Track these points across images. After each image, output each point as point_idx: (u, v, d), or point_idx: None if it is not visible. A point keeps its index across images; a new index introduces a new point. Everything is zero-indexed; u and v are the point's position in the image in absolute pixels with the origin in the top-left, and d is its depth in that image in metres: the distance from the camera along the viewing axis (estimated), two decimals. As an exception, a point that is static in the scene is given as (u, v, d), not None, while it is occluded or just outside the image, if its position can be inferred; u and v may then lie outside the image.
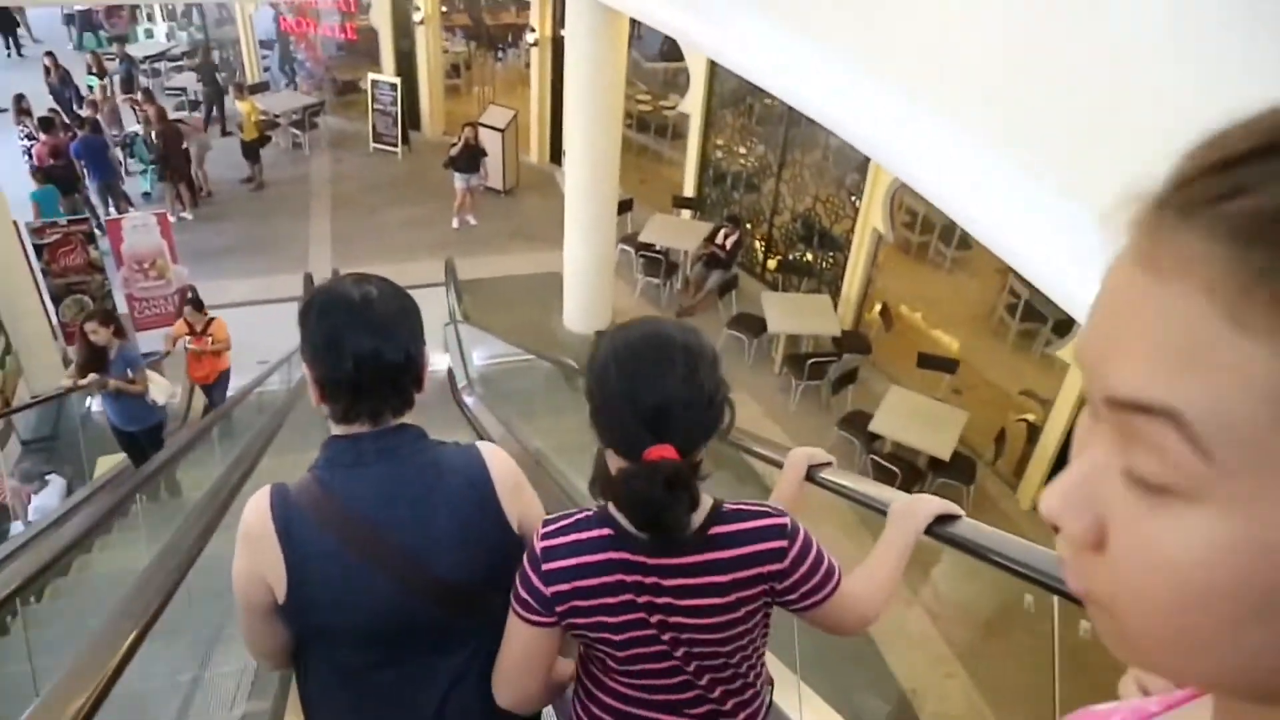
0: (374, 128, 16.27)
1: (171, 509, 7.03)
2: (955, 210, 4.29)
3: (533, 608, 1.52)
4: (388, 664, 1.72)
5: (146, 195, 14.29)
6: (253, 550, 1.62)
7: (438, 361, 10.49)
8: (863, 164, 10.65)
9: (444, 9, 16.41)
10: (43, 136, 12.56)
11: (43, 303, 10.44)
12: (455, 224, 14.05)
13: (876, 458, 9.00)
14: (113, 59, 17.29)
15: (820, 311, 11.05)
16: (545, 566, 1.50)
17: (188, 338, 8.51)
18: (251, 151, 14.32)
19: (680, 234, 12.58)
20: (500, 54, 18.42)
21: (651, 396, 1.39)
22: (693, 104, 12.99)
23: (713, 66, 12.49)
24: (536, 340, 10.90)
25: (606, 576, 1.48)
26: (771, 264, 12.79)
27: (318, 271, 12.37)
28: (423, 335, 1.70)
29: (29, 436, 9.82)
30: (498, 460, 1.74)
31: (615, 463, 1.46)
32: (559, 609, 1.51)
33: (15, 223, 9.98)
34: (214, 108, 16.20)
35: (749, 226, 12.82)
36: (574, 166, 10.79)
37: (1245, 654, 0.42)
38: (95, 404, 10.56)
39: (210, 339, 8.56)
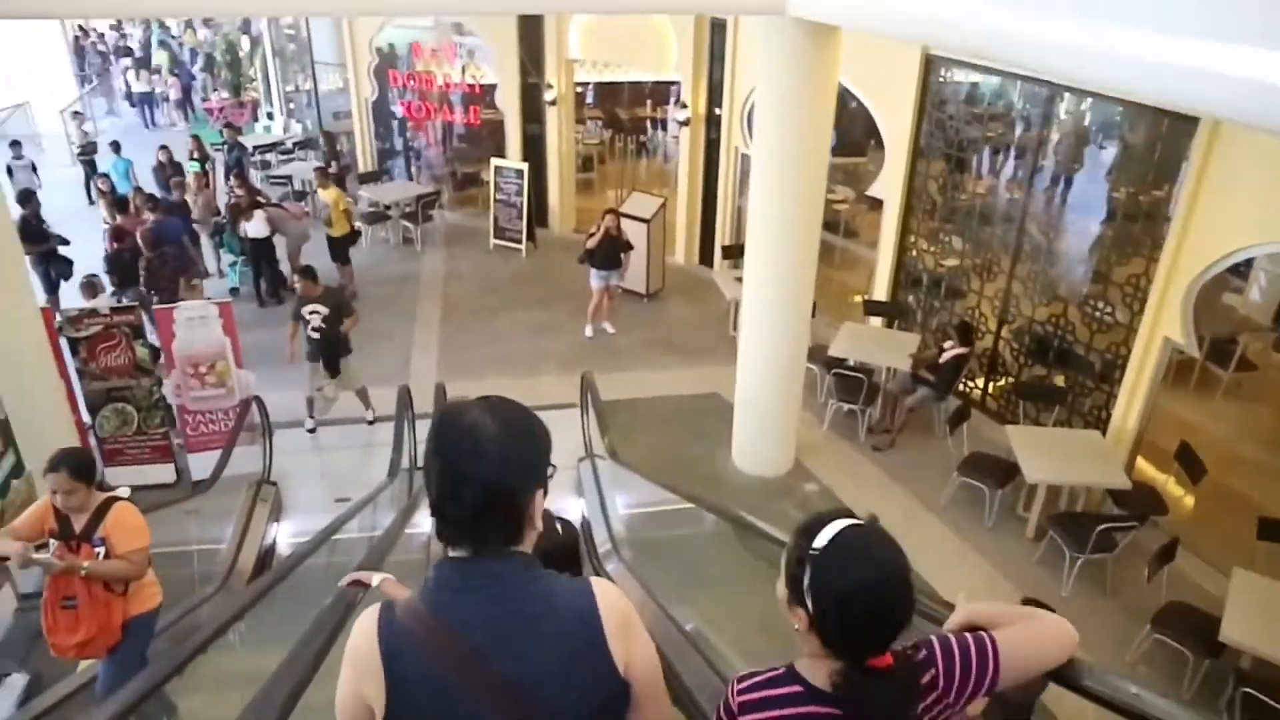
0: (495, 221, 14.14)
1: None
2: None
3: None
4: None
5: (234, 292, 12.31)
6: (357, 671, 1.64)
7: (569, 508, 7.77)
8: (1149, 250, 7.76)
9: (578, 89, 14.36)
10: (117, 219, 10.70)
11: (76, 412, 8.20)
12: (589, 332, 11.55)
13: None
14: (220, 147, 15.81)
15: (1093, 454, 7.94)
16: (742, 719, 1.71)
17: (52, 546, 4.55)
18: (339, 250, 12.16)
19: (881, 347, 9.72)
20: (639, 144, 16.33)
21: (872, 603, 1.61)
22: (888, 189, 10.32)
23: (915, 147, 9.87)
24: (695, 482, 8.16)
25: None
26: (995, 387, 9.76)
27: (419, 387, 9.98)
28: (542, 470, 1.70)
29: (30, 589, 7.41)
30: (609, 597, 1.70)
31: (822, 658, 1.67)
32: None
33: (48, 311, 7.84)
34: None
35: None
36: (755, 266, 8.23)
37: None
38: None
39: (100, 550, 4.60)
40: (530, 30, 13.65)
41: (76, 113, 18.16)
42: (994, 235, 9.50)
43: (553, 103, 13.83)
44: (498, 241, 14.22)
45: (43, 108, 19.18)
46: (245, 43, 21.50)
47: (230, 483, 8.29)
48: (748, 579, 7.50)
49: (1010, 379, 9.57)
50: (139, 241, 10.09)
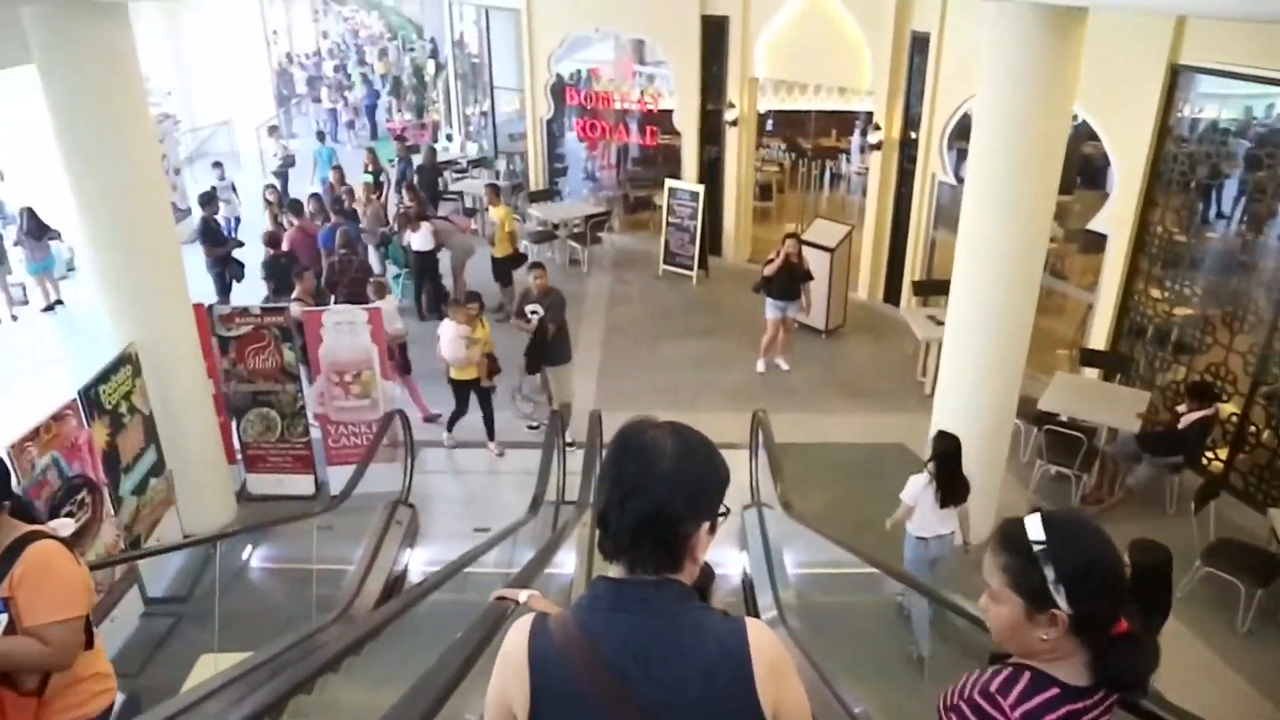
0: (667, 245, 13.42)
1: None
2: None
3: None
4: None
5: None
6: (505, 674, 1.69)
7: (728, 560, 6.83)
8: None
9: (761, 112, 13.50)
10: (284, 222, 10.59)
11: (222, 413, 7.91)
12: (761, 366, 10.57)
13: None
14: (394, 161, 15.89)
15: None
16: None
17: None
18: (502, 271, 11.71)
19: (1102, 403, 8.29)
20: (823, 170, 15.30)
21: (1110, 557, 1.77)
22: (1114, 224, 8.89)
23: (1151, 175, 8.45)
24: (877, 544, 7.02)
25: None
26: (1248, 461, 8.12)
27: (575, 411, 9.30)
28: (713, 504, 1.68)
29: (158, 593, 7.07)
30: (763, 639, 1.66)
31: (1068, 655, 1.77)
32: None
33: (202, 308, 7.58)
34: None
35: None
36: (961, 306, 7.09)
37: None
38: (257, 558, 7.86)
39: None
40: (714, 46, 12.94)
41: (274, 127, 18.74)
42: (1250, 281, 7.94)
43: (734, 123, 13.02)
44: (667, 267, 13.49)
45: (244, 126, 19.97)
46: (431, 67, 21.89)
47: (369, 501, 7.80)
48: (936, 661, 6.30)
49: (1271, 453, 7.92)
50: (311, 248, 9.93)
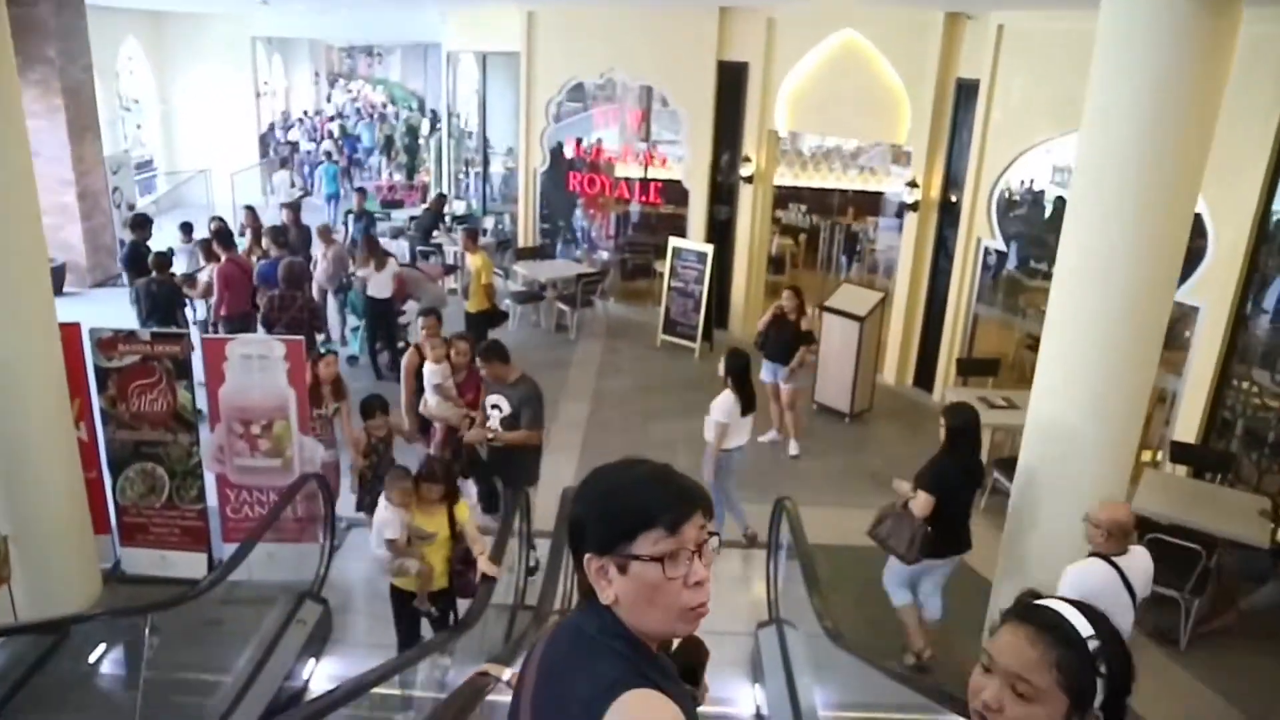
0: (667, 312, 11.87)
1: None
2: None
3: None
4: None
5: (353, 360, 10.43)
6: None
7: (738, 697, 5.07)
8: None
9: (778, 172, 12.13)
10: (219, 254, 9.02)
11: (94, 467, 6.18)
12: (769, 437, 8.96)
13: None
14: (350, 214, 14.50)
15: None
16: None
17: None
18: (476, 329, 10.02)
19: (1210, 508, 6.56)
20: (848, 236, 13.92)
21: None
22: (1208, 291, 7.37)
23: (1259, 229, 6.99)
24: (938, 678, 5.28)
25: None
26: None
27: (549, 492, 7.60)
28: (617, 533, 1.54)
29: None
30: (632, 711, 1.43)
31: None
32: None
33: (73, 328, 5.93)
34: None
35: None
36: (1051, 385, 5.44)
37: None
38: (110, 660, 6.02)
39: None
40: (730, 95, 11.65)
41: (285, 159, 17.31)
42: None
43: (749, 180, 11.63)
44: (667, 337, 11.91)
45: (221, 176, 18.75)
46: (425, 126, 20.84)
47: (272, 592, 6.02)
48: None
49: None
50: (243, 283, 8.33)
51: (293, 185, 17.22)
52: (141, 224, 9.75)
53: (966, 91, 9.70)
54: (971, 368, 9.35)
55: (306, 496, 6.04)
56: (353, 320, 10.77)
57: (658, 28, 11.70)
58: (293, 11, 18.49)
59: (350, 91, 33.17)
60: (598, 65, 12.43)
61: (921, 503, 5.26)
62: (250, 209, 11.47)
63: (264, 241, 9.69)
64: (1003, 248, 9.56)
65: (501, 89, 14.54)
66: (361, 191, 13.51)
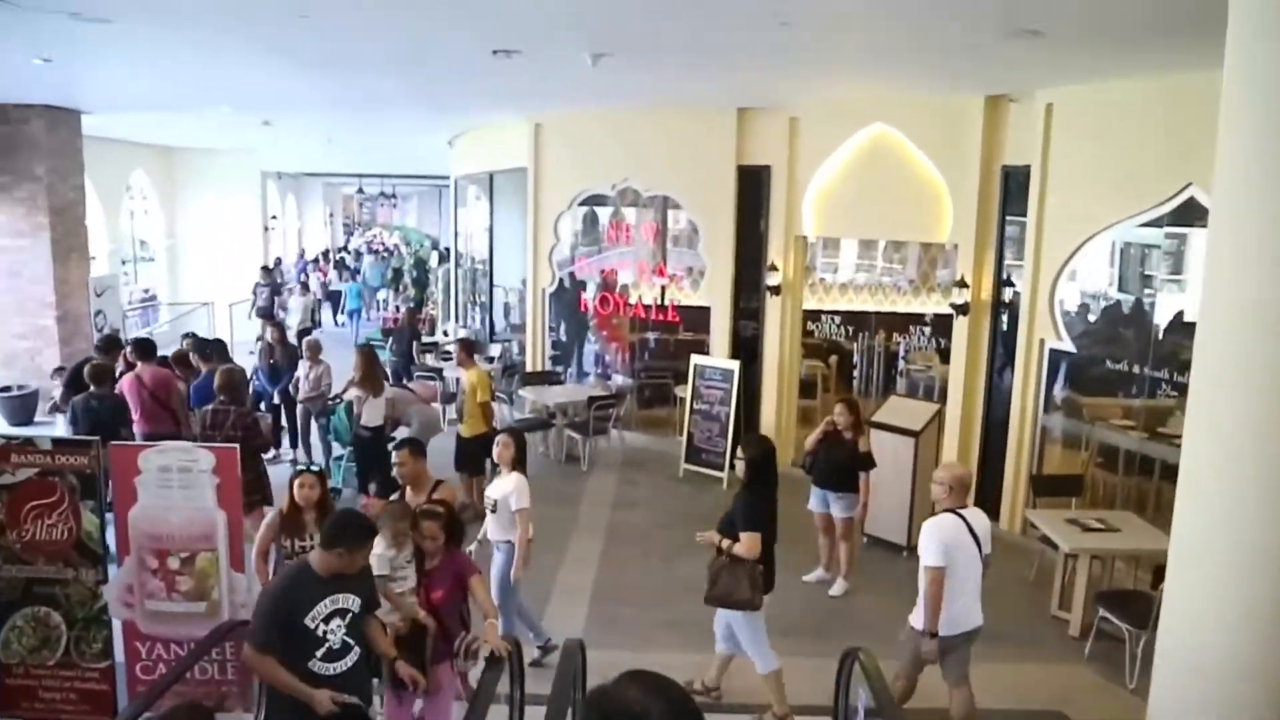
0: (690, 439, 10.65)
1: None
2: None
3: None
4: None
5: (336, 493, 9.19)
6: None
7: None
8: None
9: (810, 282, 11.12)
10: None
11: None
12: (814, 575, 7.55)
13: None
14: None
15: None
16: None
17: None
18: (470, 457, 8.82)
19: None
20: (889, 356, 12.79)
21: None
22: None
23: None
24: None
25: None
26: None
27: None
28: None
29: None
30: None
31: None
32: None
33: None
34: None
35: None
36: (1196, 505, 4.15)
37: None
38: None
39: None
40: (752, 201, 10.80)
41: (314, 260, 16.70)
42: None
43: (775, 290, 10.62)
44: (690, 466, 10.64)
45: (222, 310, 18.12)
46: (434, 259, 20.33)
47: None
48: None
49: None
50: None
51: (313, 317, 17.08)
52: (110, 346, 8.75)
53: (1015, 179, 8.77)
54: (1049, 486, 8.02)
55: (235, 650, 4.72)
56: (336, 448, 9.59)
57: (672, 133, 10.96)
58: (301, 145, 18.24)
59: (367, 236, 33.36)
60: (609, 176, 11.66)
61: (749, 543, 5.24)
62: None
63: (191, 359, 8.69)
64: (1070, 348, 8.39)
65: (508, 215, 13.84)
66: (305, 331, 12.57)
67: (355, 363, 8.69)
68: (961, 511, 5.07)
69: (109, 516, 4.95)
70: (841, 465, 7.36)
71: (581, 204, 12.19)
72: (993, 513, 9.06)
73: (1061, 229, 8.23)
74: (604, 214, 12.49)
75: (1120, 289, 8.67)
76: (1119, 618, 6.07)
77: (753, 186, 10.77)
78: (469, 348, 9.18)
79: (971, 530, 5.04)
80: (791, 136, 10.33)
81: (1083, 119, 8.06)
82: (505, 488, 5.93)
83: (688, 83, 8.98)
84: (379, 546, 4.20)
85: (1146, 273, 8.51)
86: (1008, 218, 8.94)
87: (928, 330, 13.57)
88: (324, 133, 15.66)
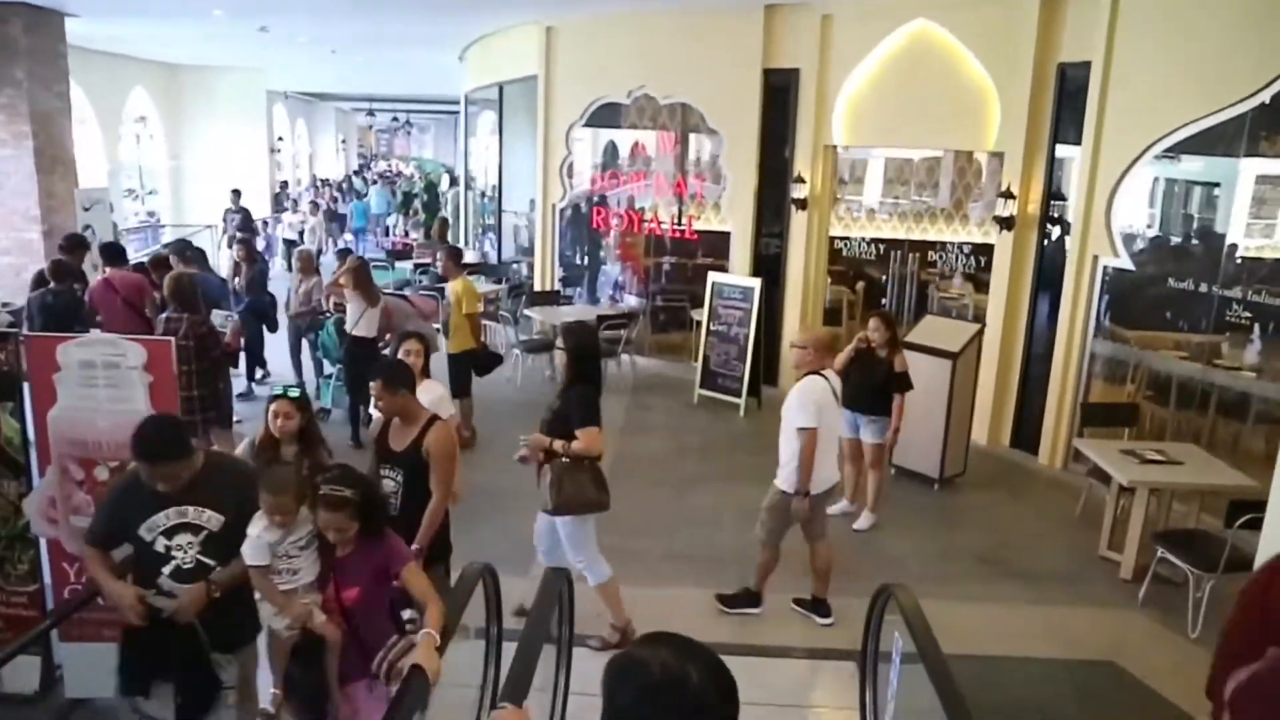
0: (706, 362, 9.95)
1: None
2: None
3: None
4: None
5: (325, 414, 8.60)
6: None
7: None
8: None
9: (838, 196, 10.26)
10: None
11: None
12: (834, 508, 6.84)
13: None
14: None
15: None
16: None
17: None
18: (460, 374, 8.15)
19: None
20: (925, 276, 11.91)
21: None
22: None
23: None
24: None
25: None
26: None
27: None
28: None
29: None
30: None
31: None
32: None
33: None
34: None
35: None
36: None
37: None
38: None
39: None
40: (779, 108, 9.95)
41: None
42: None
43: (801, 203, 9.82)
44: (706, 392, 9.96)
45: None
46: (445, 182, 19.61)
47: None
48: None
49: None
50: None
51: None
52: (75, 246, 8.11)
53: (1073, 79, 7.87)
54: (1101, 415, 7.26)
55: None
56: (326, 366, 8.97)
57: (693, 36, 10.08)
58: (306, 60, 17.43)
59: (380, 167, 32.63)
60: (625, 83, 10.81)
61: (589, 438, 4.78)
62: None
63: (171, 260, 8.06)
64: (1128, 265, 7.58)
65: (519, 138, 13.04)
66: (344, 253, 11.72)
67: (338, 267, 8.00)
68: (824, 373, 5.24)
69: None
70: (876, 386, 6.63)
71: (594, 114, 11.32)
72: (1031, 445, 8.39)
73: (1123, 134, 7.37)
74: (623, 145, 11.66)
75: (1184, 205, 7.80)
76: (1182, 559, 5.37)
77: (779, 93, 9.90)
78: (455, 255, 8.44)
79: (833, 390, 5.25)
80: (823, 36, 9.42)
81: (1155, 7, 7.16)
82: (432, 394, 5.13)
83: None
84: (254, 527, 3.19)
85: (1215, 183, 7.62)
86: (1062, 119, 8.06)
87: (964, 256, 12.71)
88: (327, 45, 14.84)
